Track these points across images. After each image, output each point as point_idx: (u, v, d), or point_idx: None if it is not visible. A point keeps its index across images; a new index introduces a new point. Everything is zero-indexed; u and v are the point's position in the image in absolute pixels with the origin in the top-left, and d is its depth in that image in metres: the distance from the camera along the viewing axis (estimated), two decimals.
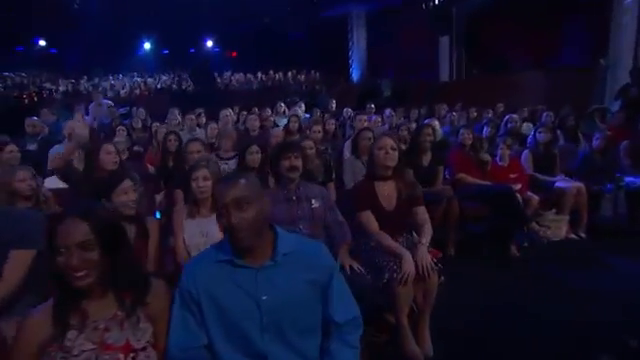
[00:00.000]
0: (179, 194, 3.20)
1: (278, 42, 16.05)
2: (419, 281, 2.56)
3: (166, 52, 16.77)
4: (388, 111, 7.19)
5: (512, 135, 5.52)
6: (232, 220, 1.44)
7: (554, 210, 4.64)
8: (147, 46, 16.28)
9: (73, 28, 13.78)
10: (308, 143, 3.98)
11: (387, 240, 2.70)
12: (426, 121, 5.99)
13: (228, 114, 6.69)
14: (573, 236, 4.63)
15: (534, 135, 4.99)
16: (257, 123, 6.13)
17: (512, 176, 4.54)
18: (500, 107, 8.33)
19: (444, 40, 13.00)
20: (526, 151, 4.98)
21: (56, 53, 15.63)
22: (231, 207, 1.44)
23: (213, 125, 5.80)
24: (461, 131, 4.81)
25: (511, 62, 11.57)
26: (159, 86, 12.85)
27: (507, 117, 6.10)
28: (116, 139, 5.14)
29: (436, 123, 5.82)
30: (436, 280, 2.60)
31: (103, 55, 14.53)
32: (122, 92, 11.98)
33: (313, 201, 2.78)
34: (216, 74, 13.06)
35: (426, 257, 2.57)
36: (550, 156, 4.93)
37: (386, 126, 6.94)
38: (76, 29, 13.92)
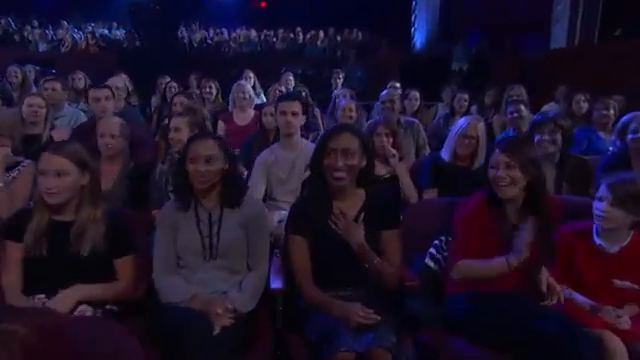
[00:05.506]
0: None
1: None
2: None
3: None
4: (414, 93, 4.47)
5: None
6: None
7: None
8: None
9: None
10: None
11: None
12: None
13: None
14: None
15: None
16: (185, 100, 3.96)
17: (619, 283, 1.87)
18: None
19: None
20: None
21: None
22: None
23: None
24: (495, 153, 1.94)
25: None
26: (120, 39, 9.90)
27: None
28: None
29: (480, 125, 2.76)
30: None
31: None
32: (63, 48, 9.19)
33: None
34: (184, 28, 9.67)
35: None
36: None
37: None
38: None
